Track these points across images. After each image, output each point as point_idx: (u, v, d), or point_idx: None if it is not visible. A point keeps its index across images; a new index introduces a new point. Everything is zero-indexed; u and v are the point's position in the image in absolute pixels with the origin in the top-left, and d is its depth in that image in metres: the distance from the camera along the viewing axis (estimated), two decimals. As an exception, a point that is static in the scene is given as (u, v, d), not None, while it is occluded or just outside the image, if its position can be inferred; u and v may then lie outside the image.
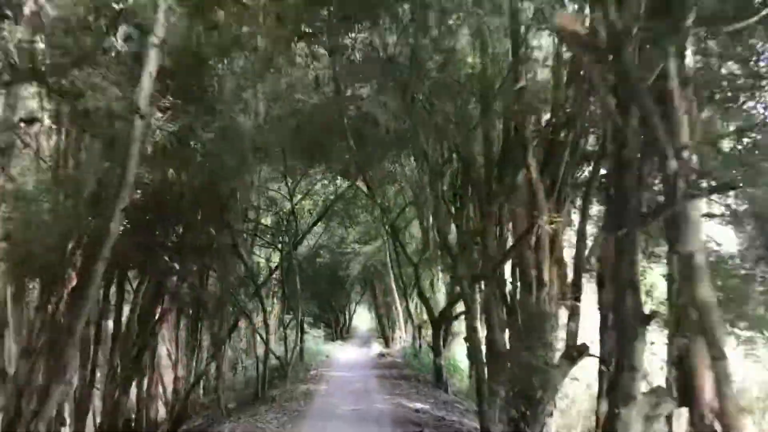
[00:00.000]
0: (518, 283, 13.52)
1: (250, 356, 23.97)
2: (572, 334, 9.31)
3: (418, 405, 11.24)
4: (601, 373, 8.50)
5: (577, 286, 9.95)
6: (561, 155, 11.86)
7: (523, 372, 9.12)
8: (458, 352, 20.03)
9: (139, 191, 10.07)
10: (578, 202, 14.95)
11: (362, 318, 51.16)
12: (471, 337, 10.31)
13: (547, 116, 12.87)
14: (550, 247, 11.91)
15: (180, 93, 9.15)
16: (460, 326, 20.02)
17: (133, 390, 17.42)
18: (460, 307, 16.78)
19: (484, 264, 13.52)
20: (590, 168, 12.38)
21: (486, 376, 9.98)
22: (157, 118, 8.22)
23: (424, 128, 11.48)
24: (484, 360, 9.99)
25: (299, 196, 20.48)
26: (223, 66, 10.11)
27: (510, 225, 15.76)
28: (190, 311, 19.95)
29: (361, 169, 16.00)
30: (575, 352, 8.70)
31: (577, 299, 9.76)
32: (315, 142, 16.78)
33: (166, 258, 12.13)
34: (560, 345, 10.51)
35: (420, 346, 20.62)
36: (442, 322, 15.11)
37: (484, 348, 19.50)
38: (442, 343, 15.11)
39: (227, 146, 10.60)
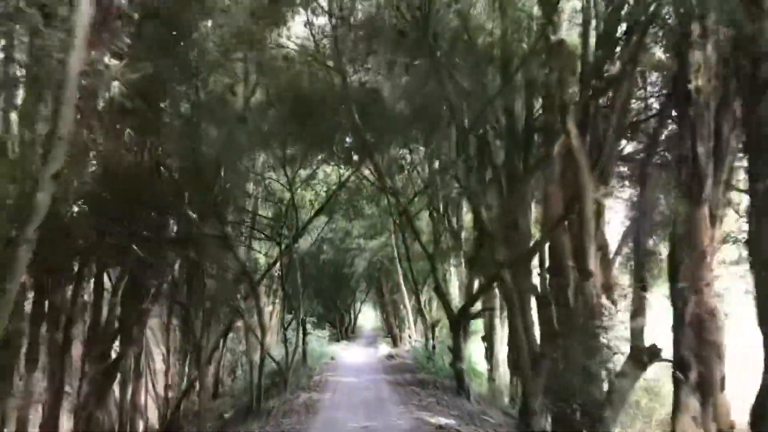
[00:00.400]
0: (547, 275, 11.85)
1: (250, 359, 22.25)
2: (638, 333, 7.50)
3: (442, 420, 9.41)
4: (677, 382, 6.70)
5: (641, 276, 8.14)
6: (606, 122, 10.04)
7: (580, 381, 7.32)
8: (473, 352, 18.26)
9: (93, 161, 8.25)
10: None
11: (367, 316, 49.59)
12: (514, 339, 8.46)
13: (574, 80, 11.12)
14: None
15: (145, 41, 7.35)
16: (476, 325, 18.22)
17: (121, 399, 15.80)
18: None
19: (514, 250, 11.75)
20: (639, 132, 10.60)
21: (525, 385, 8.14)
22: (113, 66, 6.41)
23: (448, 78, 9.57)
24: (527, 367, 8.08)
25: (300, 185, 18.66)
26: (202, 12, 8.31)
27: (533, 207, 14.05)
28: (182, 311, 18.28)
29: (368, 151, 14.16)
30: (645, 356, 6.89)
31: (644, 289, 7.95)
32: (313, 117, 14.97)
33: (138, 250, 10.26)
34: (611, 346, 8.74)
35: (434, 347, 18.79)
36: (462, 321, 13.28)
37: (498, 350, 17.80)
38: (462, 344, 13.27)
39: (208, 112, 8.79)
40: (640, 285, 8.01)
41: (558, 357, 9.25)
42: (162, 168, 9.79)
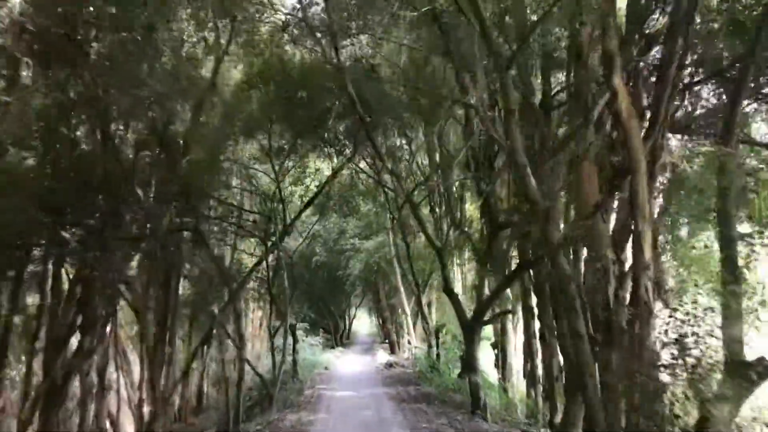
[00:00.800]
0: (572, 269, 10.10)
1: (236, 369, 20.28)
2: (736, 343, 5.67)
3: (462, 451, 7.55)
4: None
5: (734, 267, 6.23)
6: (661, 82, 8.20)
7: (657, 402, 5.47)
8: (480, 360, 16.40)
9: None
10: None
11: (362, 322, 47.82)
12: (577, 351, 6.61)
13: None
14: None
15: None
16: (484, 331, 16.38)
17: (82, 419, 13.88)
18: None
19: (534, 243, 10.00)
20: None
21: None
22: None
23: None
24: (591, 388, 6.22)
25: (287, 173, 16.80)
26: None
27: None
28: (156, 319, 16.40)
29: (366, 130, 12.36)
30: (753, 372, 5.07)
31: (737, 283, 6.11)
32: (301, 97, 13.19)
33: (78, 245, 8.29)
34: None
35: (438, 355, 16.93)
36: (476, 326, 11.41)
37: (511, 358, 15.91)
38: (476, 352, 11.41)
39: (163, 68, 6.88)
40: (733, 279, 6.16)
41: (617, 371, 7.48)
42: (107, 139, 7.84)
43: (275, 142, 14.94)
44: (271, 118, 13.79)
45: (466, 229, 14.63)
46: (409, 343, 25.20)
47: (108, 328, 13.40)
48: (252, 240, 19.47)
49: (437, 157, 17.13)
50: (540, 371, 13.19)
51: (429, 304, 24.56)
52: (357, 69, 13.79)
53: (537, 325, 12.81)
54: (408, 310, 24.30)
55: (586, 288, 10.20)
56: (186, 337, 19.17)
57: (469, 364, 11.19)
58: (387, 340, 31.61)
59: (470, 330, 11.28)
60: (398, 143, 18.37)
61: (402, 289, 23.86)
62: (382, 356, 25.38)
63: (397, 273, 23.61)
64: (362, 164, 19.00)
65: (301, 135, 14.91)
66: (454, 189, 17.09)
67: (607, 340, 9.21)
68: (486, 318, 11.60)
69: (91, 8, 5.89)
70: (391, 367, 20.87)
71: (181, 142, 9.36)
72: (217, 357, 20.72)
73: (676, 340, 5.46)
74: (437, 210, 17.85)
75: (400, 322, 27.38)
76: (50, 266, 11.71)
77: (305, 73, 13.71)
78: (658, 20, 9.74)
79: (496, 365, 16.29)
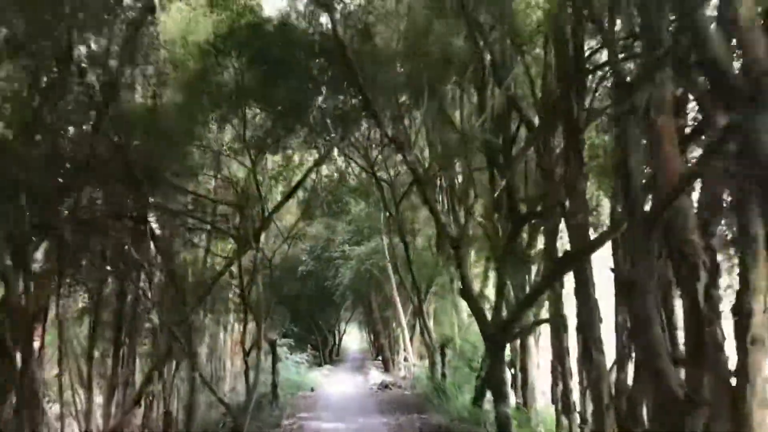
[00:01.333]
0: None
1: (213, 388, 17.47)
2: None
3: None
4: None
5: None
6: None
7: None
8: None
9: None
10: None
11: (352, 337, 45.26)
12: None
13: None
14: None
15: None
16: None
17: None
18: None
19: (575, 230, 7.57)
20: None
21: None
22: None
23: None
24: None
25: (268, 175, 14.36)
26: None
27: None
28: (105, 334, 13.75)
29: (363, 93, 9.86)
30: None
31: None
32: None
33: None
34: None
35: (443, 375, 14.30)
36: (507, 339, 8.82)
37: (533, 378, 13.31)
38: (503, 374, 8.80)
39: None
40: None
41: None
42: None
43: (250, 128, 12.47)
44: (243, 88, 11.33)
45: (481, 220, 12.10)
46: (405, 360, 22.62)
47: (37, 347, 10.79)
48: (231, 244, 16.93)
49: (439, 147, 14.78)
50: (577, 396, 10.70)
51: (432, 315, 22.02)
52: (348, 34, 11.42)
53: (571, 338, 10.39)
54: (404, 323, 21.71)
55: (661, 286, 7.70)
56: (149, 355, 16.65)
57: (495, 388, 8.58)
58: (380, 357, 29.02)
59: (496, 344, 8.66)
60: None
61: (398, 299, 21.31)
62: (376, 375, 22.72)
63: (392, 281, 21.07)
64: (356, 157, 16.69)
65: (281, 117, 12.43)
66: (457, 181, 14.78)
67: (695, 359, 6.68)
68: (518, 329, 8.99)
69: None
70: (387, 389, 18.26)
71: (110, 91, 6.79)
72: (186, 377, 18.14)
73: None
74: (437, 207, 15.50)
75: (396, 337, 24.81)
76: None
77: (284, 33, 11.35)
78: None
79: (513, 386, 13.82)
